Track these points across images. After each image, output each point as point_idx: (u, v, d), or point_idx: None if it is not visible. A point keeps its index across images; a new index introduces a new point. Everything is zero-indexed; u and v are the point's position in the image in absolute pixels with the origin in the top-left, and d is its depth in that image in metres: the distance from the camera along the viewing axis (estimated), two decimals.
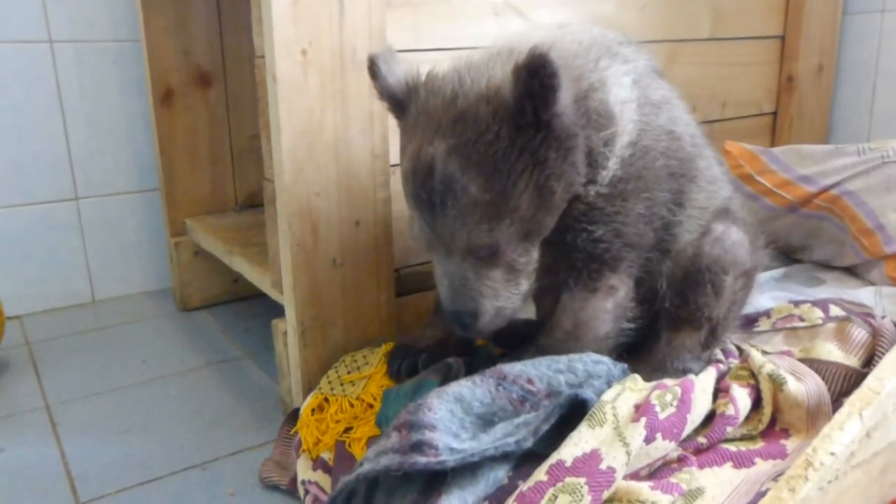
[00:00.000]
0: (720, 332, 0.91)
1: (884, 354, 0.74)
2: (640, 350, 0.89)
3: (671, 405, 0.73)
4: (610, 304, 0.84)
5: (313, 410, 0.95)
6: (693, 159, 0.89)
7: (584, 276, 0.83)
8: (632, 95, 0.81)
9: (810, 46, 1.58)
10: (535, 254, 0.79)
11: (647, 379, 0.80)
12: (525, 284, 0.80)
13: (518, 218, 0.74)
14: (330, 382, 0.98)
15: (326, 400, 0.95)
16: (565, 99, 0.71)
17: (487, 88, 0.72)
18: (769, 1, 1.53)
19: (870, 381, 0.68)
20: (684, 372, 0.87)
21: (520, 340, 0.93)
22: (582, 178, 0.77)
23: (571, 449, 0.66)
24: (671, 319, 0.89)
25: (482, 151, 0.71)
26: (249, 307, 1.61)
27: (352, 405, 0.93)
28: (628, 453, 0.66)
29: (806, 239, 1.29)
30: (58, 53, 1.51)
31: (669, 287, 0.88)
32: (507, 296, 0.78)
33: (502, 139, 0.71)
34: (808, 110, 1.63)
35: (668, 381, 0.79)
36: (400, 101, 0.80)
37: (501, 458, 0.68)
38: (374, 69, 0.80)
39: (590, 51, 0.81)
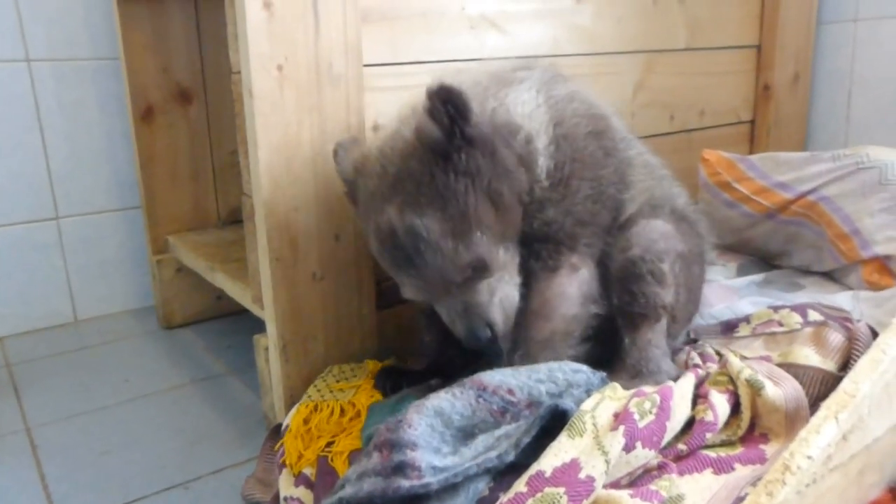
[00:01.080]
0: (680, 318, 0.94)
1: (859, 358, 0.75)
2: (613, 361, 0.89)
3: (650, 413, 0.73)
4: (574, 282, 0.88)
5: (305, 420, 0.94)
6: (625, 148, 0.95)
7: (543, 257, 0.88)
8: (537, 101, 0.89)
9: (786, 56, 1.61)
10: (515, 253, 0.86)
11: (626, 387, 0.81)
12: (517, 277, 0.86)
13: (485, 227, 0.80)
14: (319, 390, 0.98)
15: (316, 408, 0.95)
16: (477, 109, 0.79)
17: (405, 145, 0.80)
18: (744, 11, 1.56)
19: (845, 384, 0.68)
20: (660, 373, 0.88)
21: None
22: (523, 176, 0.84)
23: (551, 459, 0.66)
24: (626, 317, 0.90)
25: (426, 194, 0.78)
26: (233, 324, 1.60)
27: (343, 410, 0.93)
28: (607, 462, 0.66)
29: (785, 245, 1.30)
30: (35, 72, 1.50)
31: (613, 286, 0.91)
32: (506, 293, 0.84)
33: (437, 175, 0.78)
34: (786, 118, 1.65)
35: (647, 388, 0.79)
36: (350, 185, 0.88)
37: (482, 471, 0.68)
38: (335, 156, 0.89)
39: (489, 87, 0.89)
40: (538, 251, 0.87)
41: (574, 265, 0.88)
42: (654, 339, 0.90)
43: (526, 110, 0.88)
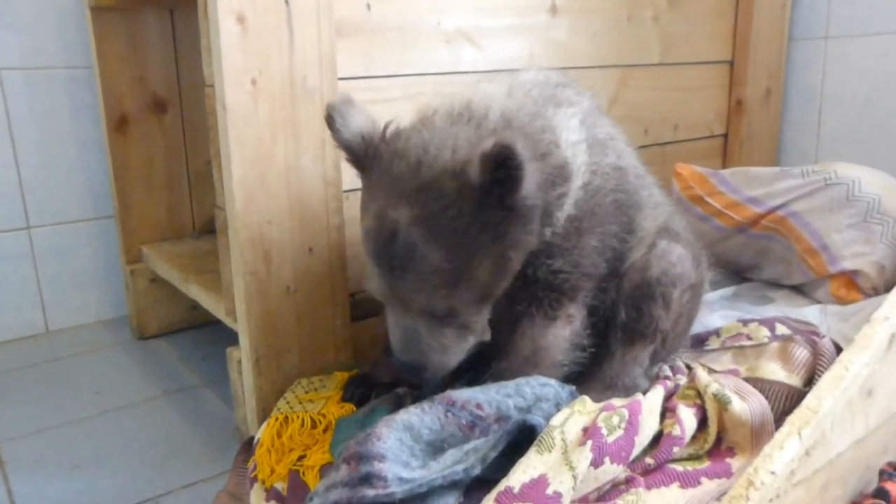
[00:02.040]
0: (669, 345, 0.94)
1: (823, 374, 0.76)
2: (590, 370, 0.90)
3: (619, 427, 0.74)
4: (568, 332, 0.87)
5: (278, 433, 0.93)
6: (638, 190, 0.93)
7: (545, 306, 0.86)
8: (580, 136, 0.85)
9: (758, 71, 1.63)
10: (486, 314, 0.82)
11: (598, 398, 0.82)
12: (473, 340, 0.83)
13: (475, 285, 0.76)
14: (288, 403, 0.98)
15: (287, 420, 0.95)
16: (530, 185, 0.73)
17: (453, 162, 0.73)
18: (717, 27, 1.58)
19: (808, 400, 0.69)
20: (634, 388, 0.89)
21: (468, 364, 0.94)
22: (535, 237, 0.80)
23: (520, 475, 0.67)
24: (627, 332, 0.91)
25: (445, 224, 0.73)
26: (208, 334, 1.59)
27: (315, 421, 0.93)
28: (574, 477, 0.67)
29: (755, 258, 1.32)
30: (6, 80, 1.49)
31: (624, 302, 0.91)
32: (455, 351, 0.81)
33: (465, 215, 0.73)
34: (758, 133, 1.68)
35: (616, 402, 0.80)
36: (357, 155, 0.81)
37: (451, 485, 0.68)
38: (330, 121, 0.80)
39: (546, 105, 0.84)
40: (540, 298, 0.85)
41: (570, 316, 0.87)
42: (640, 358, 0.91)
43: (572, 139, 0.84)
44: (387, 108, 1.05)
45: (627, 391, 0.89)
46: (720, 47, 1.60)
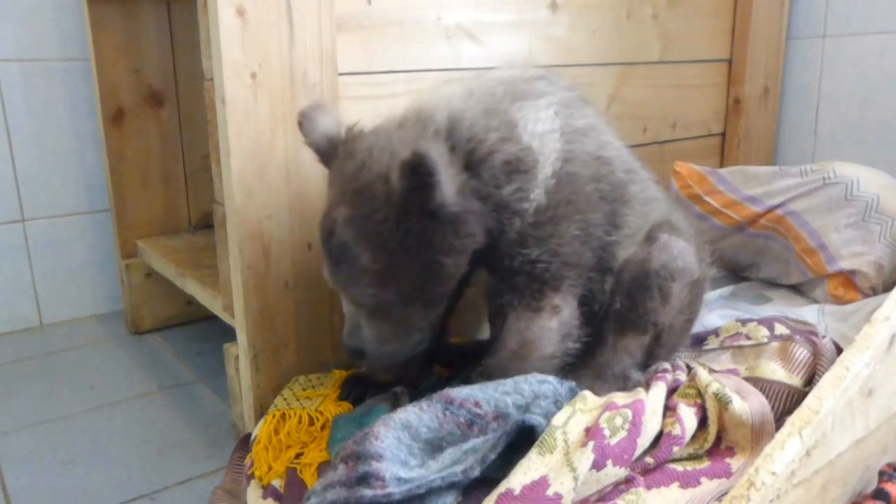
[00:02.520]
0: (665, 341, 0.93)
1: (824, 374, 0.76)
2: (583, 359, 0.90)
3: (622, 429, 0.74)
4: (555, 324, 0.86)
5: (275, 430, 0.93)
6: (625, 184, 0.92)
7: (527, 297, 0.86)
8: (553, 126, 0.84)
9: (756, 70, 1.63)
10: (432, 312, 0.85)
11: (588, 387, 0.82)
12: (418, 336, 0.85)
13: (405, 287, 0.79)
14: (286, 399, 0.97)
15: (284, 417, 0.94)
16: (448, 191, 0.75)
17: (387, 168, 0.76)
18: (716, 26, 1.58)
19: (809, 400, 0.69)
20: (624, 378, 0.88)
21: (467, 362, 0.94)
22: (482, 238, 0.81)
23: (520, 477, 0.66)
24: (619, 322, 0.91)
25: (373, 227, 0.76)
26: (204, 329, 1.58)
27: (312, 419, 0.92)
28: (575, 478, 0.66)
29: (753, 257, 1.32)
30: (2, 72, 1.47)
31: (620, 292, 0.90)
32: (397, 344, 0.84)
33: (390, 220, 0.76)
34: (755, 132, 1.68)
35: (619, 401, 0.79)
36: (323, 155, 0.85)
37: (449, 485, 0.68)
38: (300, 125, 0.85)
39: (510, 101, 0.84)
40: (521, 289, 0.85)
41: (556, 306, 0.85)
42: (632, 348, 0.91)
43: (539, 130, 0.83)
44: (388, 105, 1.05)
45: (617, 381, 0.89)
46: (719, 46, 1.60)
